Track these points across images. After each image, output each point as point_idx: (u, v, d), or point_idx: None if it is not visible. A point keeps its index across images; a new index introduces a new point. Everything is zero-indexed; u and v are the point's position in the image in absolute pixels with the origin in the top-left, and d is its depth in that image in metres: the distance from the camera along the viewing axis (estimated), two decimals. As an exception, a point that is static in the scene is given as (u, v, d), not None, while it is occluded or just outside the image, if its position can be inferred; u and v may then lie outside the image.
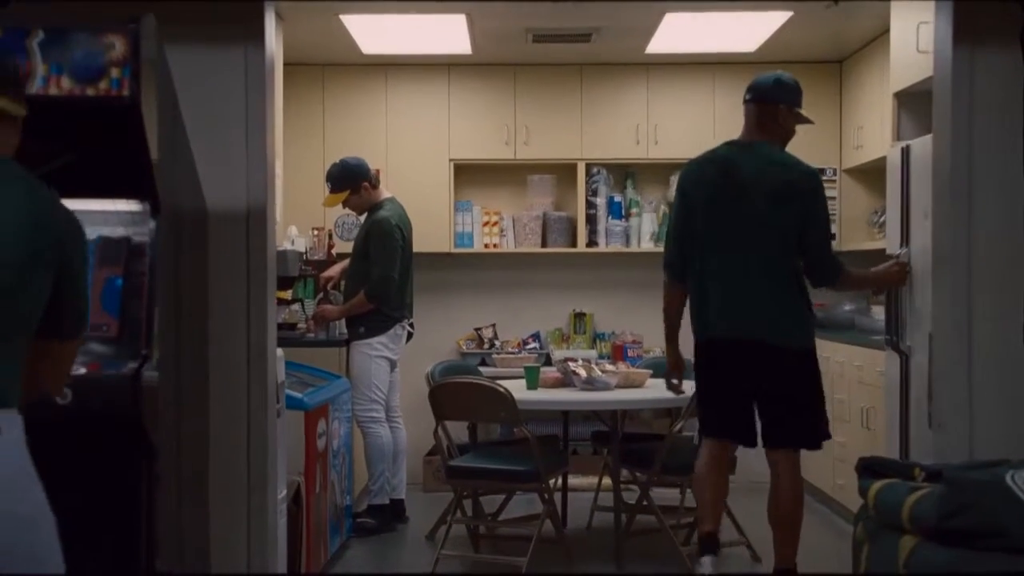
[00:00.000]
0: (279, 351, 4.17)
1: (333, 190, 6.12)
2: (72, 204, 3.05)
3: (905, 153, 5.04)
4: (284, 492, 4.25)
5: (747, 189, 4.36)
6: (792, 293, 4.35)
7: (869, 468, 3.43)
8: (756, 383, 4.39)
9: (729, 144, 4.56)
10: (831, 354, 6.17)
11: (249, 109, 3.71)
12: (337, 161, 6.19)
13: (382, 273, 5.95)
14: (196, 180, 3.67)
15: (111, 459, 3.01)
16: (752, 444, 4.46)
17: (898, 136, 5.61)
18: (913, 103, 5.56)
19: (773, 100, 4.46)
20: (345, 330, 6.37)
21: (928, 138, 4.48)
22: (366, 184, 6.10)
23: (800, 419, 4.39)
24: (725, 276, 4.38)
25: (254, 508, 3.79)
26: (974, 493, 2.87)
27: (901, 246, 4.98)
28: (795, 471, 4.39)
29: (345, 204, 6.19)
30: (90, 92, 2.96)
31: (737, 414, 4.42)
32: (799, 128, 4.54)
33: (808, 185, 4.37)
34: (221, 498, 3.72)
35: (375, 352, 6.01)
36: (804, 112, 4.57)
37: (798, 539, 4.43)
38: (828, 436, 4.48)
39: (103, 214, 3.14)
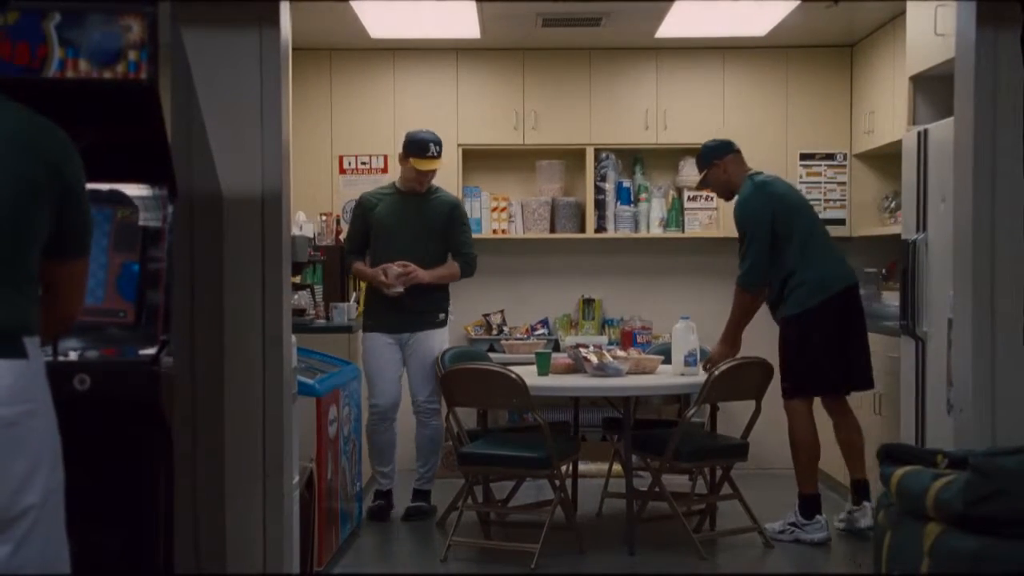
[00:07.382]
0: (292, 337, 4.14)
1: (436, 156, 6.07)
2: (88, 188, 3.03)
3: (922, 137, 5.01)
4: (297, 478, 4.23)
5: None
6: None
7: (890, 455, 3.39)
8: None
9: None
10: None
11: (264, 92, 3.67)
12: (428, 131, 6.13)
13: (473, 251, 6.11)
14: (211, 164, 3.64)
15: (129, 445, 3.00)
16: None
17: (914, 120, 5.56)
18: (930, 87, 5.51)
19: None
20: (356, 317, 6.33)
21: (947, 122, 4.45)
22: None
23: None
24: None
25: (270, 494, 3.76)
26: (1003, 480, 2.84)
27: (917, 231, 4.95)
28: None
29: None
30: (107, 75, 2.92)
31: None
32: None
33: None
34: (236, 484, 3.70)
35: (446, 342, 6.11)
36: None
37: (802, 472, 5.44)
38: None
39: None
